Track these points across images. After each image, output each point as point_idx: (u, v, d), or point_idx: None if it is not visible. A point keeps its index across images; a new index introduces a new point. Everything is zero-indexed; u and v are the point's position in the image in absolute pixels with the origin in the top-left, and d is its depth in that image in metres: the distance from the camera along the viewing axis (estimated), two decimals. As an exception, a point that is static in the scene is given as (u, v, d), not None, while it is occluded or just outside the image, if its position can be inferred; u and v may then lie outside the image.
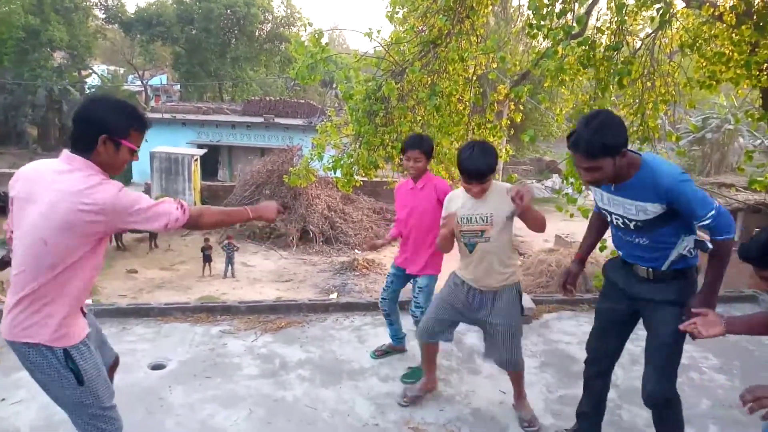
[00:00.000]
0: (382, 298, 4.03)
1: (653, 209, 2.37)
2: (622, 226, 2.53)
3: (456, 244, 3.11)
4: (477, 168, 2.88)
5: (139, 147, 2.26)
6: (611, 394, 3.68)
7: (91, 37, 33.50)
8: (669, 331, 2.46)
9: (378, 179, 16.62)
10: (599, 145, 2.28)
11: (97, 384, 2.26)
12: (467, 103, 8.17)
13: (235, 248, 14.88)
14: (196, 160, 20.25)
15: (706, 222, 2.30)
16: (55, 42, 29.59)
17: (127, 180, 25.79)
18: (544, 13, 6.05)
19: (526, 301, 4.88)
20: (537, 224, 2.90)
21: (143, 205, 2.10)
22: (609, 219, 2.61)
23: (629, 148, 2.41)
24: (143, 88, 37.58)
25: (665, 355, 2.53)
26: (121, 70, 40.54)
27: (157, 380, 3.74)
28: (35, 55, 28.95)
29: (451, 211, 3.08)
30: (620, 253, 2.70)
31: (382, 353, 4.14)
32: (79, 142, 2.12)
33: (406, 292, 3.97)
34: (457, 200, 3.11)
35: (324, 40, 7.57)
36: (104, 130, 2.10)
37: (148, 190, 20.65)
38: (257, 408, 3.42)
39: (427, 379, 3.55)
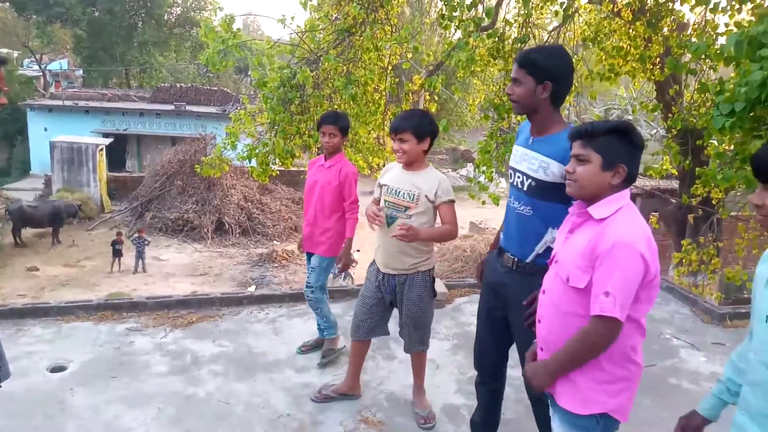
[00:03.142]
0: (306, 286, 3.91)
1: (554, 170, 2.36)
2: (518, 187, 2.51)
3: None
4: (394, 123, 3.02)
5: None
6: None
7: (-23, 16, 30.80)
8: (529, 333, 2.37)
9: (296, 168, 16.45)
10: (529, 59, 2.35)
11: None
12: (383, 92, 8.21)
13: (146, 242, 14.26)
14: (102, 150, 19.16)
15: None
16: (-65, 20, 26.99)
17: (25, 170, 24.09)
18: (456, 4, 6.16)
19: (439, 286, 4.99)
20: (444, 240, 3.08)
21: None
22: (511, 181, 2.59)
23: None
24: (41, 73, 35.01)
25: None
26: (16, 53, 37.53)
27: (57, 383, 3.53)
28: None
29: (382, 180, 3.14)
30: (501, 237, 2.69)
31: (308, 349, 4.03)
32: None
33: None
34: (391, 171, 3.16)
35: (237, 26, 7.36)
36: None
37: (48, 183, 19.37)
38: (167, 406, 3.30)
39: (347, 381, 3.42)
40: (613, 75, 7.26)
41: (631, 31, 7.09)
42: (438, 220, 3.09)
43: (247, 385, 3.57)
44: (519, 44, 6.46)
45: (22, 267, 13.89)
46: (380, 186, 3.17)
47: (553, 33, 7.89)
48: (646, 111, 7.65)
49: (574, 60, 7.93)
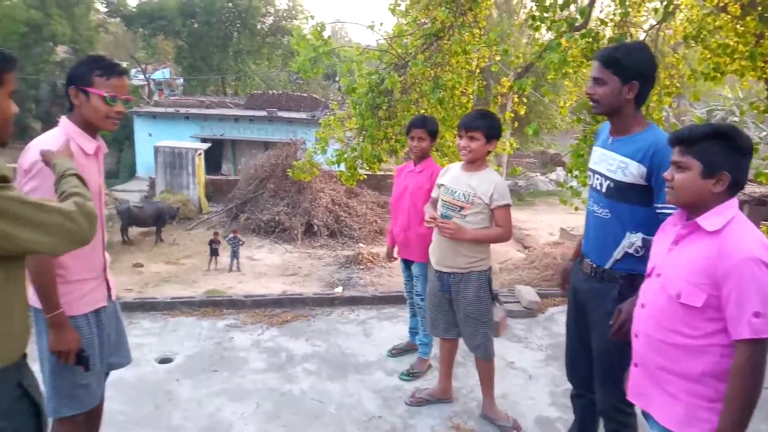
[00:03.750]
0: (407, 291, 4.04)
1: (633, 171, 2.29)
2: (597, 188, 2.46)
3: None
4: (467, 120, 3.02)
5: (112, 94, 2.21)
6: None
7: (93, 31, 33.49)
8: (606, 342, 2.36)
9: (382, 173, 16.66)
10: (614, 58, 2.28)
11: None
12: (471, 96, 8.16)
13: (241, 242, 14.91)
14: (200, 154, 20.26)
15: (668, 210, 2.15)
16: (57, 36, 29.62)
17: (132, 173, 25.90)
18: (548, 4, 6.02)
19: (531, 294, 4.90)
20: (494, 242, 3.16)
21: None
22: (590, 183, 2.54)
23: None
24: (146, 82, 37.55)
25: (605, 367, 2.44)
26: (124, 64, 40.45)
27: (165, 374, 3.78)
28: (38, 50, 28.99)
29: (441, 180, 3.19)
30: (583, 242, 2.63)
31: (399, 351, 4.09)
32: (67, 101, 2.25)
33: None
34: (450, 171, 3.20)
35: (326, 33, 7.57)
36: (70, 82, 2.19)
37: (152, 185, 20.70)
38: (264, 402, 3.45)
39: (439, 385, 3.47)
40: (718, 74, 6.83)
41: (739, 27, 6.63)
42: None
43: (339, 385, 3.66)
44: (614, 44, 6.22)
45: (129, 263, 14.90)
46: (439, 186, 3.21)
47: (650, 31, 7.53)
48: (756, 112, 7.11)
49: (674, 59, 7.57)
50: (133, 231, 16.86)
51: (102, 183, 2.35)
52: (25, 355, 1.73)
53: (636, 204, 2.32)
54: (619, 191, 2.35)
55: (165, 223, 16.91)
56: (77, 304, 2.24)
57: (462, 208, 3.03)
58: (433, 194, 3.30)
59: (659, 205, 2.24)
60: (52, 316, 2.12)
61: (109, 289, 2.42)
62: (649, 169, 2.26)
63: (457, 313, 3.19)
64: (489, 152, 3.08)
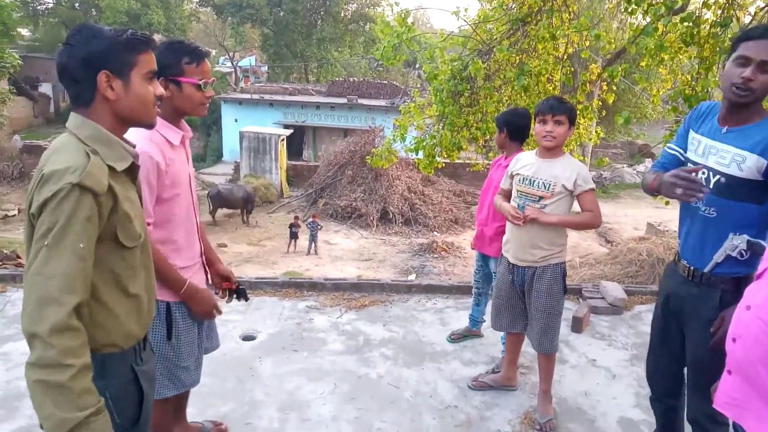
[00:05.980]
0: (475, 280, 4.07)
1: (749, 164, 2.05)
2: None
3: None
4: (552, 104, 2.86)
5: (204, 80, 2.13)
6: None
7: (186, 20, 35.11)
8: (704, 351, 2.17)
9: (460, 161, 16.49)
10: None
11: (183, 345, 2.36)
12: (557, 83, 7.89)
13: (319, 227, 15.23)
14: (283, 140, 20.80)
15: None
16: (153, 25, 31.24)
17: (218, 157, 27.01)
18: (646, -13, 5.69)
19: (618, 291, 4.70)
20: (585, 228, 3.05)
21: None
22: None
23: None
24: (233, 70, 38.94)
25: (701, 375, 2.27)
26: (213, 52, 42.19)
27: (248, 351, 3.92)
28: (135, 38, 30.74)
29: (514, 169, 3.05)
30: (679, 242, 2.43)
31: (459, 337, 4.13)
32: None
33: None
34: (525, 159, 3.05)
35: (409, 20, 7.52)
36: (159, 73, 2.04)
37: (237, 169, 21.51)
38: (342, 383, 3.51)
39: (504, 372, 3.47)
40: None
41: None
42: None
43: (415, 372, 3.67)
44: (718, 28, 5.81)
45: (213, 243, 15.48)
46: (511, 176, 3.08)
47: (759, 14, 6.95)
48: None
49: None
50: (219, 212, 17.61)
51: (191, 170, 2.34)
52: (144, 341, 1.79)
53: (748, 202, 2.10)
54: (730, 188, 2.12)
55: (254, 206, 17.59)
56: None
57: (541, 197, 2.91)
58: (504, 185, 3.17)
59: None
60: (184, 292, 2.21)
61: (206, 272, 2.50)
62: None
63: (528, 306, 3.11)
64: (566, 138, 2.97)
